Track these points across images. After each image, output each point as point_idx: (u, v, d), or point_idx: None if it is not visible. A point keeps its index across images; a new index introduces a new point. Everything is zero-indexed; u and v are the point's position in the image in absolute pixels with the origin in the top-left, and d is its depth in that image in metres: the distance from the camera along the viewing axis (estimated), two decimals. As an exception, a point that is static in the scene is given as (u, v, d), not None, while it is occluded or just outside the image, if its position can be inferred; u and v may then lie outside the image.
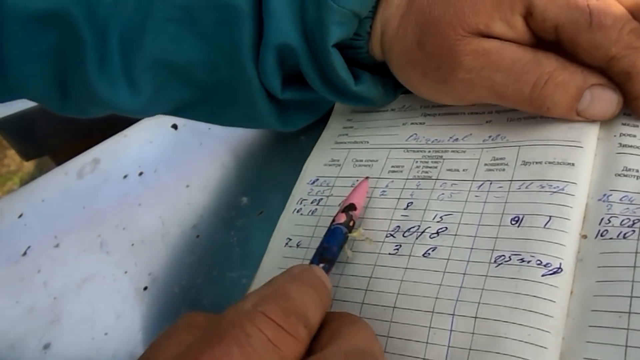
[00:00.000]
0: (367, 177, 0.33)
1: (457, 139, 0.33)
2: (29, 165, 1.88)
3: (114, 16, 0.33)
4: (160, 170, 0.48)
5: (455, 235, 0.29)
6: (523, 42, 0.29)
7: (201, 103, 0.39)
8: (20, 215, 0.53)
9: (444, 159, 0.32)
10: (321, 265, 0.28)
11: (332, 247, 0.29)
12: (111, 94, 0.35)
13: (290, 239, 0.34)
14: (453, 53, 0.30)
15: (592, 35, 0.27)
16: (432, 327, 0.26)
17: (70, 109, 0.39)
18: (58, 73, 0.35)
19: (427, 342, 0.26)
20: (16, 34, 0.33)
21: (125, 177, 0.50)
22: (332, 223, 0.30)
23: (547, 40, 0.29)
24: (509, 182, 0.29)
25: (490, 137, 0.32)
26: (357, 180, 0.34)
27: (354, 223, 0.30)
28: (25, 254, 0.48)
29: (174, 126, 0.51)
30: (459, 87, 0.31)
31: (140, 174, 0.49)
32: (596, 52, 0.28)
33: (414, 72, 0.32)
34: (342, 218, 0.30)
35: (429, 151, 0.33)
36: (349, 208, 0.31)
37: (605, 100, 0.29)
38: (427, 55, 0.31)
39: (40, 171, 1.75)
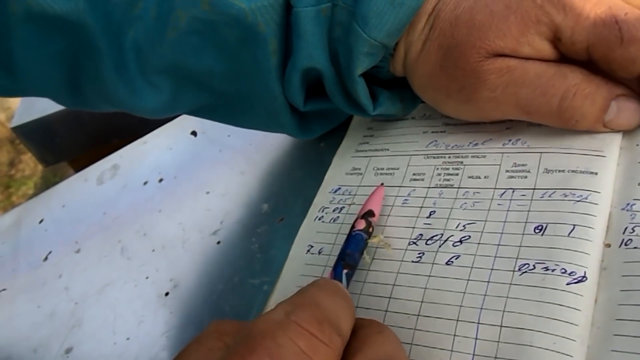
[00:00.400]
0: (382, 184, 0.34)
1: (477, 144, 0.33)
2: (43, 170, 1.90)
3: (131, 23, 0.34)
4: (180, 177, 0.49)
5: (479, 243, 0.29)
6: (548, 59, 0.29)
7: (219, 108, 0.39)
8: (41, 221, 0.53)
9: (464, 165, 0.33)
10: (345, 271, 0.28)
11: (354, 254, 0.29)
12: (129, 96, 0.36)
13: (312, 246, 0.34)
14: (477, 73, 0.30)
15: (626, 50, 0.27)
16: (457, 335, 0.26)
17: (80, 105, 0.40)
18: (70, 74, 0.36)
19: (452, 350, 0.26)
20: (28, 35, 0.33)
21: (145, 183, 0.50)
22: (352, 229, 0.31)
23: (579, 60, 0.29)
24: (532, 190, 0.29)
25: (510, 140, 0.32)
26: (379, 189, 0.34)
27: (372, 229, 0.31)
28: (46, 259, 0.49)
29: (193, 133, 0.52)
30: (484, 106, 0.31)
31: (160, 180, 0.50)
32: (632, 66, 0.27)
33: (437, 93, 0.33)
34: (362, 225, 0.31)
35: (449, 157, 0.33)
36: (368, 214, 0.31)
37: (631, 110, 0.29)
38: (450, 78, 0.31)
39: (55, 176, 1.76)
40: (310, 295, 0.23)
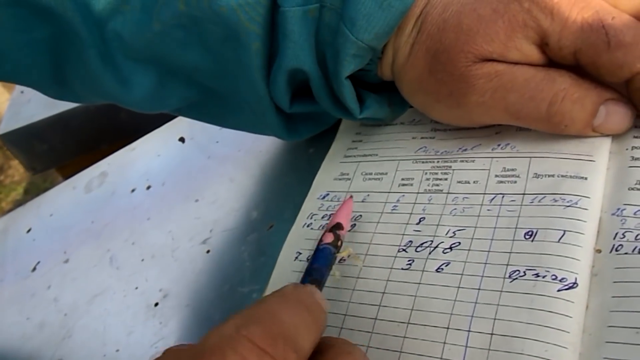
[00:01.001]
0: (351, 196, 0.33)
1: (465, 149, 0.33)
2: (32, 176, 1.89)
3: (113, 13, 0.33)
4: (168, 184, 0.48)
5: (469, 250, 0.29)
6: (536, 63, 0.29)
7: (206, 104, 0.39)
8: (29, 230, 0.53)
9: (453, 170, 0.32)
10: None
11: (321, 268, 0.28)
12: (116, 86, 0.36)
13: (300, 253, 0.34)
14: (465, 78, 0.30)
15: (613, 55, 0.27)
16: (447, 343, 0.26)
17: (66, 96, 0.40)
18: (55, 63, 0.36)
19: (441, 358, 0.26)
20: (12, 19, 0.33)
21: (133, 190, 0.50)
22: (319, 243, 0.30)
23: (566, 65, 0.29)
24: (522, 195, 0.29)
25: (499, 145, 0.32)
26: (368, 195, 0.34)
27: (341, 243, 0.30)
28: (35, 269, 0.48)
29: (182, 139, 0.51)
30: (473, 111, 0.31)
31: (148, 187, 0.49)
32: (620, 71, 0.27)
33: (426, 98, 0.33)
34: (329, 238, 0.30)
35: (438, 161, 0.33)
36: (336, 227, 0.30)
37: (620, 114, 0.29)
38: (438, 82, 0.31)
39: (44, 181, 1.75)
40: (268, 307, 0.21)
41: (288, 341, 0.20)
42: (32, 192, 1.85)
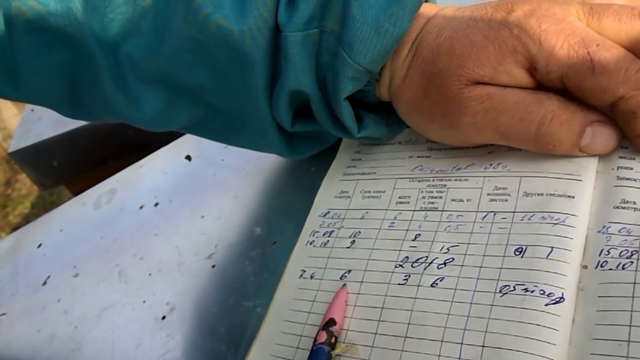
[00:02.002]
0: (344, 285, 0.33)
1: (459, 168, 0.34)
2: (40, 189, 1.91)
3: (126, 37, 0.35)
4: (175, 201, 0.50)
5: (462, 265, 0.30)
6: (526, 86, 0.31)
7: (211, 122, 0.41)
8: (40, 245, 0.54)
9: (447, 188, 0.34)
10: None
11: None
12: (127, 106, 0.38)
13: (304, 271, 0.35)
14: (458, 100, 0.31)
15: (597, 80, 0.28)
16: (441, 356, 0.27)
17: (79, 115, 0.42)
18: (70, 84, 0.38)
19: (436, 370, 0.27)
20: (30, 45, 0.35)
21: (141, 207, 0.51)
22: (314, 344, 0.30)
23: (554, 88, 0.30)
24: (512, 213, 0.31)
25: (491, 164, 0.33)
26: (367, 213, 0.35)
27: (335, 339, 0.31)
28: (45, 283, 0.50)
29: (188, 157, 0.53)
30: (465, 131, 0.32)
31: (156, 204, 0.51)
32: (604, 95, 0.28)
33: (421, 118, 0.34)
34: (323, 337, 0.30)
35: (433, 180, 0.35)
36: (329, 324, 0.31)
37: (605, 135, 0.30)
38: (433, 103, 0.32)
39: (51, 195, 1.77)
40: None
41: None
42: (39, 205, 1.87)
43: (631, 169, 0.29)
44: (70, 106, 0.40)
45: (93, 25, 0.35)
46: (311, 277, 0.35)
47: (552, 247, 0.28)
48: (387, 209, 0.35)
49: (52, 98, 0.40)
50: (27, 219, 1.84)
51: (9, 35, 0.35)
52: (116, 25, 0.35)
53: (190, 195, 0.49)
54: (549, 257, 0.28)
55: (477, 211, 0.32)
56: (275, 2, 0.34)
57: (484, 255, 0.30)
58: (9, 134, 1.97)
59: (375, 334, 0.30)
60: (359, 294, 0.32)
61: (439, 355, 0.27)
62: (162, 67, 0.36)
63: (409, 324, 0.29)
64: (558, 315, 0.26)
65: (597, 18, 0.30)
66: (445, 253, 0.31)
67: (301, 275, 0.35)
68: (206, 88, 0.37)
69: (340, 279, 0.33)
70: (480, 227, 0.31)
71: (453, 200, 0.33)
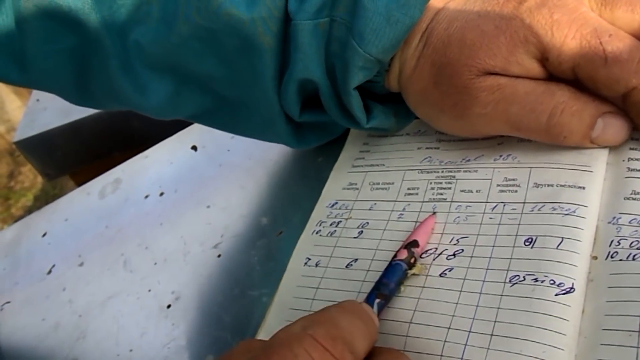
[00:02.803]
0: (434, 213, 0.33)
1: (469, 160, 0.34)
2: (43, 182, 1.91)
3: (134, 24, 0.35)
4: (180, 191, 0.50)
5: (471, 257, 0.30)
6: (537, 77, 0.31)
7: (219, 112, 0.40)
8: (44, 235, 0.54)
9: (457, 179, 0.34)
10: (377, 300, 0.29)
11: (389, 283, 0.29)
12: (134, 94, 0.38)
13: (309, 259, 0.35)
14: (469, 90, 0.31)
15: (609, 71, 0.28)
16: (447, 342, 0.27)
17: (86, 102, 0.42)
18: (78, 71, 0.38)
19: (441, 355, 0.27)
20: (38, 32, 0.35)
21: (146, 197, 0.51)
22: (393, 259, 0.31)
23: (566, 79, 0.30)
24: (522, 204, 0.30)
25: (501, 156, 0.33)
26: (375, 204, 0.35)
27: (415, 260, 0.31)
28: (50, 272, 0.50)
29: (194, 147, 0.53)
30: (476, 122, 0.32)
31: (161, 194, 0.51)
32: (616, 85, 0.28)
33: (431, 109, 0.34)
34: (404, 254, 0.30)
35: (442, 171, 0.35)
36: (412, 245, 0.31)
37: (617, 126, 0.30)
38: (443, 94, 0.32)
39: (54, 188, 1.77)
40: (329, 314, 0.25)
41: (346, 343, 0.23)
42: (42, 198, 1.87)
43: (642, 160, 0.29)
44: (77, 93, 0.40)
45: (102, 12, 0.35)
46: (316, 265, 0.34)
47: (563, 238, 0.28)
48: (395, 200, 0.35)
49: (59, 84, 0.40)
50: (30, 211, 1.84)
51: (17, 21, 0.35)
52: (125, 12, 0.35)
53: (196, 185, 0.49)
54: (559, 247, 0.28)
55: (487, 202, 0.32)
56: None
57: (493, 246, 0.30)
58: (13, 127, 1.97)
59: (380, 319, 0.30)
60: (364, 281, 0.32)
61: (445, 341, 0.27)
62: (170, 55, 0.36)
63: (414, 310, 0.29)
64: (568, 306, 0.26)
65: (610, 8, 0.30)
66: (454, 245, 0.31)
67: (306, 263, 0.35)
68: (214, 76, 0.37)
69: (346, 267, 0.33)
70: (490, 218, 0.31)
71: (462, 191, 0.33)
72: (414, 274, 0.31)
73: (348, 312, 0.25)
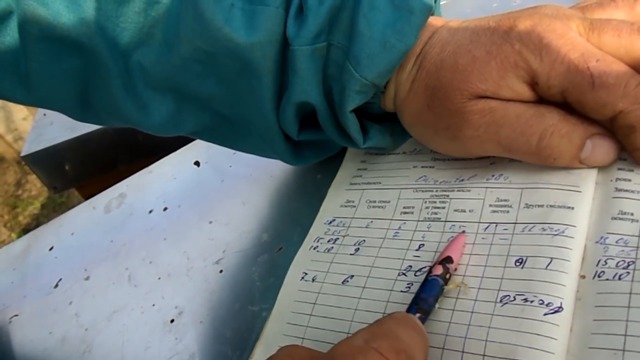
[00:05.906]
0: (463, 232, 0.33)
1: (462, 179, 0.35)
2: (49, 190, 1.92)
3: (137, 47, 0.36)
4: (183, 206, 0.51)
5: (464, 275, 0.31)
6: (527, 100, 0.31)
7: (219, 129, 0.42)
8: (51, 248, 0.55)
9: (450, 199, 0.34)
10: (417, 315, 0.29)
11: (428, 298, 0.30)
12: (136, 112, 0.39)
13: (306, 273, 0.36)
14: (461, 114, 0.32)
15: (597, 95, 0.29)
16: (442, 362, 0.28)
17: (89, 119, 0.43)
18: (81, 90, 0.39)
19: (437, 377, 0.28)
20: (44, 53, 0.37)
21: (150, 212, 0.52)
22: (428, 274, 0.31)
23: (555, 102, 0.31)
24: (513, 224, 0.31)
25: (493, 176, 0.34)
26: (371, 222, 0.36)
27: (449, 276, 0.31)
28: (57, 286, 0.51)
29: (197, 163, 0.54)
30: (468, 143, 0.33)
31: (165, 209, 0.52)
32: (604, 109, 0.29)
33: (425, 130, 0.35)
34: (439, 270, 0.31)
35: (437, 190, 0.35)
36: (446, 261, 0.31)
37: (605, 147, 0.30)
38: (436, 116, 0.33)
39: (61, 196, 1.79)
40: (389, 327, 0.25)
41: (409, 356, 0.24)
42: (49, 206, 1.89)
43: (629, 180, 0.30)
44: (80, 111, 0.41)
45: (105, 34, 0.36)
46: (313, 280, 0.35)
47: (552, 258, 0.29)
48: (391, 219, 0.36)
49: (63, 103, 0.41)
50: (37, 220, 1.86)
51: (22, 43, 0.36)
52: (128, 35, 0.36)
53: (198, 201, 0.50)
54: (548, 267, 0.28)
55: (479, 222, 0.32)
56: (284, 15, 0.34)
57: (485, 266, 0.30)
58: (20, 136, 1.99)
59: None
60: (360, 298, 0.33)
61: (440, 362, 0.28)
62: (171, 76, 0.37)
63: None
64: (557, 325, 0.27)
65: (597, 33, 0.30)
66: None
67: (302, 278, 0.36)
68: (215, 97, 0.38)
69: (342, 283, 0.34)
70: (482, 238, 0.32)
71: (456, 210, 0.34)
72: (449, 290, 0.31)
73: (405, 324, 0.26)
